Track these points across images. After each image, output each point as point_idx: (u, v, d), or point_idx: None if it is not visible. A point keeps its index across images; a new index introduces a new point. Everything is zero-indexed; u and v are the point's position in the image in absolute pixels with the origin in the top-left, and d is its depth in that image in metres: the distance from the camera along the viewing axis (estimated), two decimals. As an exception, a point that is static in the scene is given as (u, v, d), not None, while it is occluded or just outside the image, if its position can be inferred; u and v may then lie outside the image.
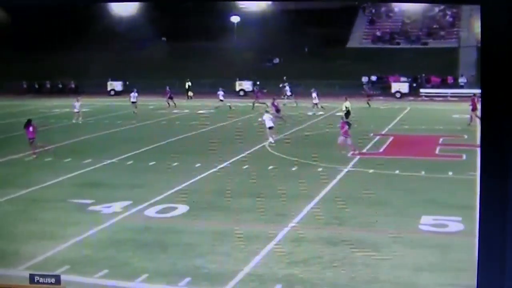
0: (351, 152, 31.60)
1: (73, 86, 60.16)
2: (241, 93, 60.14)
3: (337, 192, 24.72)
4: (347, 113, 40.24)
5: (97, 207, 23.26)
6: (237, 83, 60.76)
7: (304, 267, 17.54)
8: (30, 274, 14.37)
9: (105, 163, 30.02)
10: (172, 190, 25.06)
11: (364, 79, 63.60)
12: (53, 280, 14.54)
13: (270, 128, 34.67)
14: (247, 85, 61.21)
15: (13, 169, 29.64)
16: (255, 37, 57.51)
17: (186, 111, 48.70)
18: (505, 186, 8.85)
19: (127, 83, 56.97)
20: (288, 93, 54.45)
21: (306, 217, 21.98)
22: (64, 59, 53.25)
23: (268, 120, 34.87)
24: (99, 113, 48.06)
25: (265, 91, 53.89)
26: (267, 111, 36.65)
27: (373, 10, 74.45)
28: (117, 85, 59.62)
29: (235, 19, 64.99)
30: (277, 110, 40.59)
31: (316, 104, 48.95)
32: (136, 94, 49.17)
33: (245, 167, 29.00)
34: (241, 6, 61.93)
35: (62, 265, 17.73)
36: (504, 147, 8.80)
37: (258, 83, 58.97)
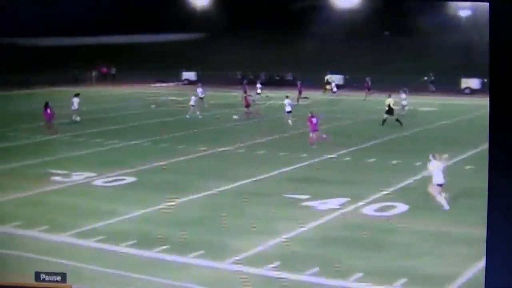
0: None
1: (290, 78, 61.17)
2: (467, 91, 58.26)
3: None
4: (390, 110, 39.31)
5: (312, 203, 23.29)
6: (463, 80, 58.87)
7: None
8: (35, 272, 14.66)
9: (322, 158, 30.00)
10: (392, 188, 24.57)
11: None
12: (58, 278, 14.71)
13: (288, 112, 39.63)
14: (474, 83, 59.22)
15: (225, 161, 30.50)
16: (484, 32, 55.37)
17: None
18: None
19: (347, 77, 56.98)
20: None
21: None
22: (283, 50, 54.12)
23: (287, 105, 40.16)
24: (320, 105, 48.25)
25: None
26: (287, 97, 41.14)
27: None
28: (337, 79, 59.90)
29: (464, 13, 63.02)
30: (247, 106, 43.63)
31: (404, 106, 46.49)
32: (201, 90, 48.83)
33: (467, 167, 27.92)
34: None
35: (272, 261, 17.88)
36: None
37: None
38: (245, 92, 51.95)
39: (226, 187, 25.59)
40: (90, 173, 27.34)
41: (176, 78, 58.05)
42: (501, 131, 8.63)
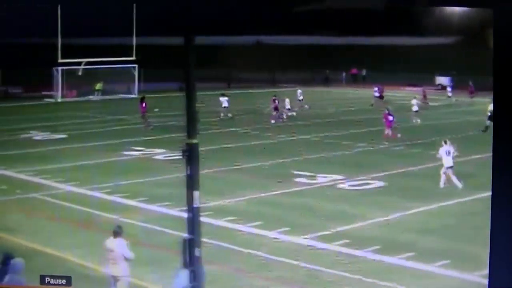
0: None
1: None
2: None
3: None
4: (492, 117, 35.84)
5: None
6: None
7: None
8: (40, 275, 14.51)
9: None
10: None
11: None
12: (63, 281, 14.48)
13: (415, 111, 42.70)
14: None
15: (478, 169, 29.71)
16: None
17: None
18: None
19: None
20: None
21: None
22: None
23: (415, 105, 43.20)
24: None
25: None
26: (415, 97, 44.29)
27: None
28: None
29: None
30: (275, 108, 43.84)
31: None
32: None
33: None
34: None
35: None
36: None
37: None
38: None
39: (477, 196, 25.10)
40: (337, 176, 27.86)
41: (429, 82, 57.47)
42: (504, 132, 8.55)
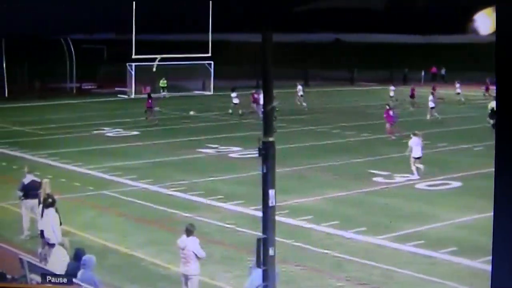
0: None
1: None
2: None
3: None
4: (493, 113, 38.37)
5: None
6: None
7: None
8: (41, 274, 14.52)
9: None
10: None
11: None
12: (65, 280, 14.51)
13: (432, 108, 44.91)
14: None
15: None
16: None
17: None
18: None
19: None
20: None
21: None
22: None
23: (431, 102, 45.14)
24: None
25: None
26: (432, 93, 45.89)
27: None
28: None
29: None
30: (255, 101, 44.27)
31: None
32: None
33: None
34: None
35: None
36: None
37: None
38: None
39: None
40: (414, 176, 27.95)
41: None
42: (506, 132, 8.51)
